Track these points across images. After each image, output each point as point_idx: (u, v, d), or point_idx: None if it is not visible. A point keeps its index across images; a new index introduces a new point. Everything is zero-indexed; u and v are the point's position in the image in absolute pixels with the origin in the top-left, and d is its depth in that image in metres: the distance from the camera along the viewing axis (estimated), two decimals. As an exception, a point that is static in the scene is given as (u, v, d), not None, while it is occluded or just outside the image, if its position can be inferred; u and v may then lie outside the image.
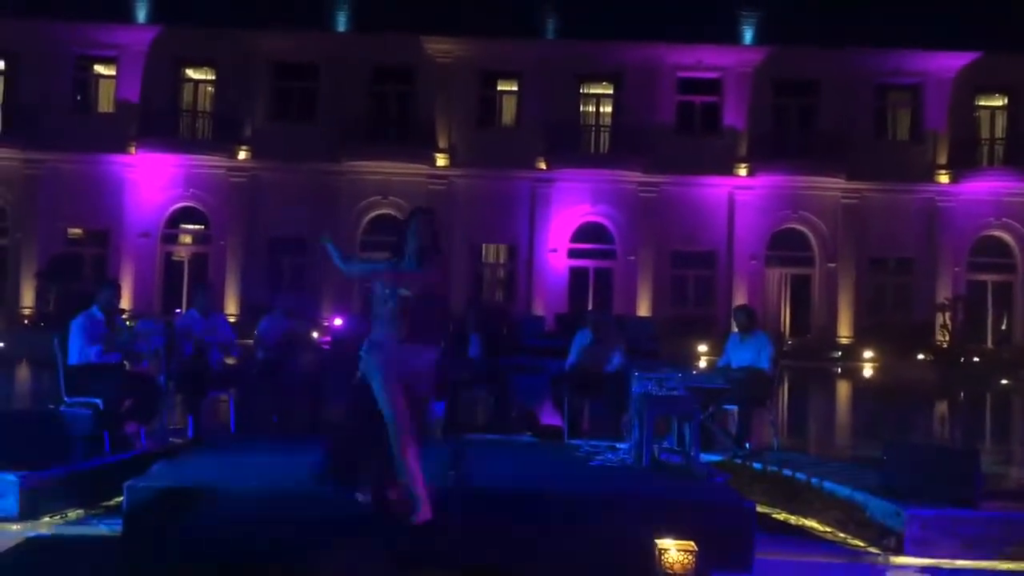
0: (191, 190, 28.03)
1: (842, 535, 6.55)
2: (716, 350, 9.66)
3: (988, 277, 28.64)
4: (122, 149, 27.57)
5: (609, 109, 29.03)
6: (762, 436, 9.03)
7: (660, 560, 4.31)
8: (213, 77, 28.75)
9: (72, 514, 6.36)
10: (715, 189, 28.13)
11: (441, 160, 28.08)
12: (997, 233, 28.42)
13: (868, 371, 24.26)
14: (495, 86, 29.03)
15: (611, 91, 28.95)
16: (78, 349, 7.51)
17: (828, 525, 6.76)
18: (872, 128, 28.66)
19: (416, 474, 5.14)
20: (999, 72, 28.10)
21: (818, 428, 13.66)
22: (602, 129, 28.89)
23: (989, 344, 27.92)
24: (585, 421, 9.52)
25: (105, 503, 6.56)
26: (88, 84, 28.81)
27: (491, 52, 28.18)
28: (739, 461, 8.00)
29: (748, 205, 28.10)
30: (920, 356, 25.16)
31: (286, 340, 9.04)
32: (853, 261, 28.10)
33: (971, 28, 26.41)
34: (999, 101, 29.10)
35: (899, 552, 6.01)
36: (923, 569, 5.78)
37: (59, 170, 27.59)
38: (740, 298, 26.64)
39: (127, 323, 9.05)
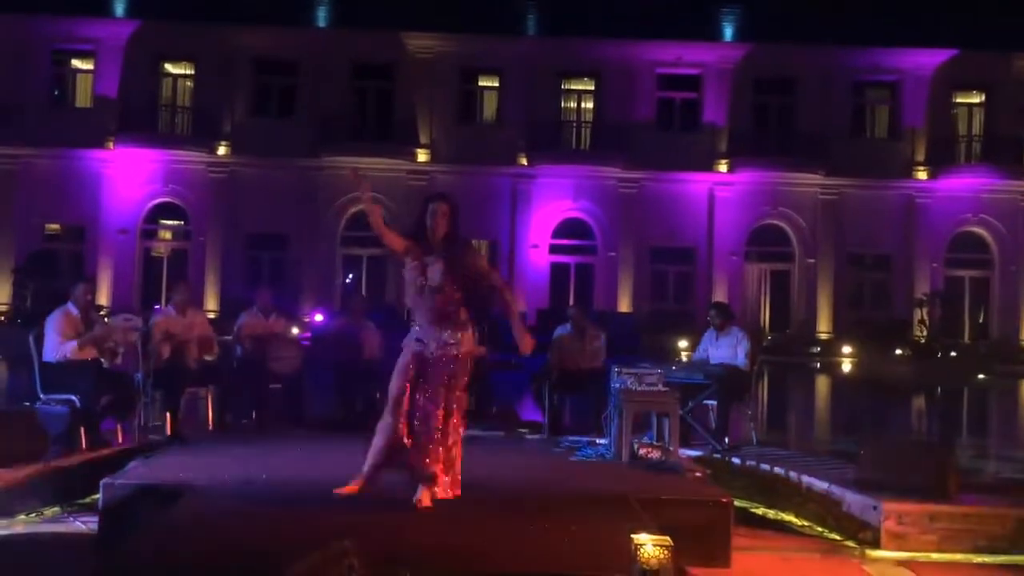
0: (170, 186, 27.85)
1: (820, 529, 6.59)
2: (696, 345, 9.70)
3: (966, 273, 28.88)
4: (100, 144, 27.35)
5: (590, 105, 29.07)
6: (741, 431, 9.07)
7: (637, 555, 4.31)
8: (192, 72, 28.56)
9: (48, 512, 6.31)
10: (695, 185, 28.22)
11: (422, 156, 28.04)
12: (975, 229, 28.65)
13: (847, 366, 24.42)
14: (476, 82, 29.00)
15: (592, 87, 28.98)
16: (53, 346, 7.45)
17: (806, 519, 6.80)
18: (850, 125, 28.83)
19: (376, 450, 5.40)
20: (976, 69, 28.33)
21: (797, 423, 13.73)
22: (583, 125, 28.93)
23: (966, 339, 28.16)
24: (566, 416, 9.53)
25: (81, 501, 6.52)
26: (65, 78, 28.56)
27: (472, 48, 28.14)
28: (718, 456, 8.04)
29: (728, 201, 28.20)
30: (898, 351, 25.33)
31: (265, 336, 9.00)
32: (832, 257, 28.26)
33: (948, 26, 26.62)
34: (976, 98, 29.33)
35: (876, 545, 6.05)
36: (900, 562, 5.82)
37: (36, 165, 27.35)
38: (720, 294, 26.76)
39: (104, 319, 8.98)
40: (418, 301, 5.47)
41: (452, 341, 5.41)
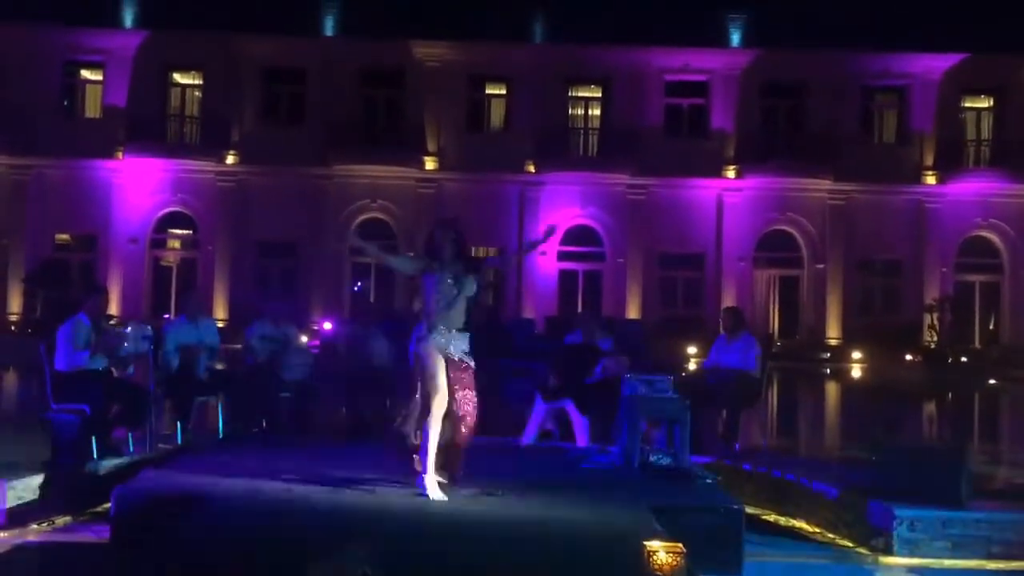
0: (179, 195, 27.94)
1: (831, 535, 6.57)
2: (705, 352, 9.72)
3: (975, 278, 28.76)
4: (110, 154, 27.46)
5: (597, 112, 29.08)
6: (751, 437, 9.05)
7: (649, 562, 4.31)
8: (201, 82, 28.66)
9: (60, 521, 6.32)
10: (703, 191, 28.19)
11: (430, 164, 28.07)
12: (984, 234, 28.55)
13: (856, 372, 24.33)
14: (484, 90, 29.05)
15: (599, 94, 29.00)
16: (65, 355, 7.48)
17: (817, 526, 6.78)
18: (859, 130, 28.78)
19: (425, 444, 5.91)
20: (985, 73, 28.27)
21: (807, 429, 13.69)
22: (591, 132, 28.94)
23: (977, 344, 28.03)
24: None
25: (93, 510, 6.53)
26: (75, 89, 28.70)
27: (480, 56, 28.19)
28: (728, 462, 8.01)
29: (736, 207, 28.16)
30: (908, 357, 25.23)
31: (275, 345, 9.01)
32: (841, 262, 28.18)
33: (957, 30, 26.52)
34: (985, 102, 29.25)
35: (888, 552, 6.02)
36: (912, 569, 5.80)
37: (46, 175, 27.47)
38: (729, 300, 26.66)
39: (115, 329, 9.00)
40: (446, 312, 6.03)
41: (469, 350, 6.09)
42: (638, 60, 28.06)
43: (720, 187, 28.16)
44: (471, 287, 6.07)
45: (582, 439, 8.38)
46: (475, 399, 6.10)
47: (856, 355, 25.67)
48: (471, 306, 6.14)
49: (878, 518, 6.18)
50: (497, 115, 29.19)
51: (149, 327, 8.33)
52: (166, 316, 24.82)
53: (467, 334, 6.09)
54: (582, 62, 28.25)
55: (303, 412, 9.03)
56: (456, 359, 6.03)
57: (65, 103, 28.60)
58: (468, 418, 6.04)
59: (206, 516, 5.28)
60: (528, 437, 8.53)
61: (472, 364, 6.11)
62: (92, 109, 28.53)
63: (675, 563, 4.31)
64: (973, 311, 28.52)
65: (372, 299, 27.24)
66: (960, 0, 25.71)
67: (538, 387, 8.70)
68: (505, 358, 10.23)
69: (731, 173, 28.20)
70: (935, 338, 26.43)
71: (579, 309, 26.09)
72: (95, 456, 7.09)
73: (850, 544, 6.33)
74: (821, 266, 28.25)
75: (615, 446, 7.64)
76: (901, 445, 7.78)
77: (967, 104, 29.13)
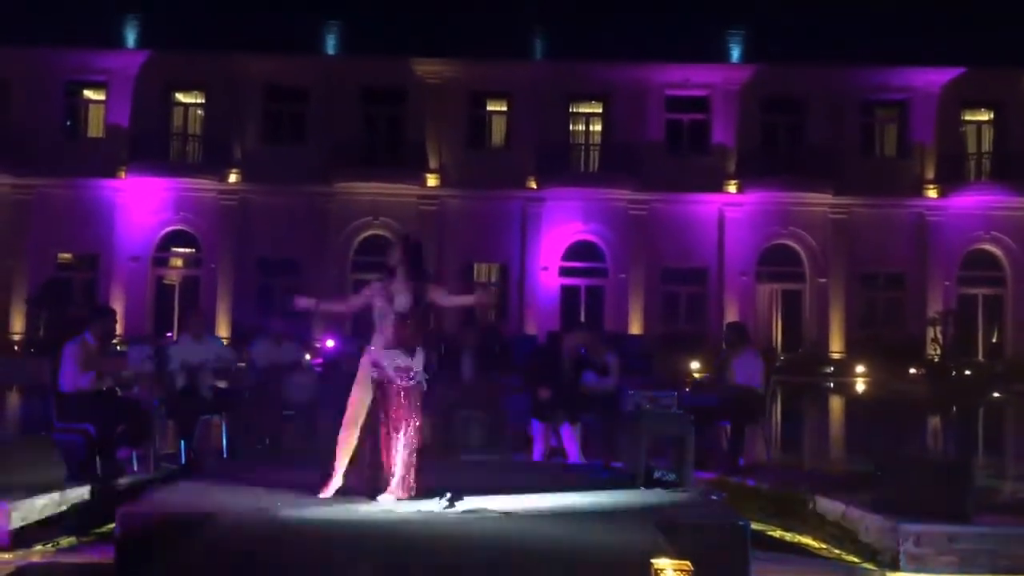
0: (181, 214, 28.00)
1: (837, 551, 6.54)
2: (708, 367, 9.73)
3: (978, 291, 28.75)
4: (112, 174, 27.54)
5: (598, 128, 29.16)
6: (755, 452, 9.03)
7: (656, 580, 4.30)
8: (203, 101, 28.78)
9: (64, 542, 6.31)
10: (705, 206, 28.23)
11: (432, 181, 28.14)
12: (987, 247, 28.56)
13: (860, 386, 24.29)
14: (485, 107, 29.14)
15: (600, 110, 29.08)
16: (69, 376, 7.48)
17: (823, 541, 6.75)
18: (860, 144, 28.85)
19: (338, 458, 6.20)
20: (984, 87, 28.36)
21: (811, 444, 13.66)
22: (592, 148, 29.01)
23: (980, 357, 28.00)
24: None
25: (97, 530, 6.52)
26: (78, 109, 28.80)
27: (481, 73, 28.30)
28: (733, 478, 7.99)
29: (738, 222, 28.20)
30: (912, 370, 25.18)
31: (279, 364, 9.01)
32: (843, 276, 28.19)
33: (955, 44, 26.63)
34: (985, 116, 29.32)
35: (895, 568, 6.00)
36: (919, 584, 5.78)
37: (49, 195, 27.55)
38: (731, 314, 26.68)
39: (118, 348, 9.02)
40: (381, 326, 6.14)
41: (405, 366, 6.07)
42: (638, 76, 28.16)
43: (721, 202, 28.21)
44: (403, 302, 6.12)
45: (572, 449, 8.36)
46: (413, 417, 6.08)
47: (859, 369, 25.63)
48: (411, 321, 6.10)
49: (884, 533, 6.16)
50: (498, 132, 29.28)
51: (153, 347, 8.34)
52: (169, 335, 24.84)
53: (406, 350, 6.07)
54: (582, 78, 28.35)
55: (307, 430, 9.02)
56: (387, 378, 6.05)
57: (68, 123, 28.70)
58: (402, 436, 6.03)
59: (211, 536, 5.27)
60: (537, 456, 8.56)
61: (412, 382, 6.09)
62: (95, 129, 28.63)
63: (682, 581, 4.30)
64: (976, 324, 28.51)
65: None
66: (959, 14, 25.84)
67: (532, 411, 8.67)
68: (506, 374, 10.20)
69: (732, 188, 28.25)
70: (938, 351, 26.38)
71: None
72: (100, 476, 7.09)
73: (856, 560, 6.31)
74: (823, 280, 28.26)
75: (619, 463, 7.64)
76: (906, 459, 7.76)
77: (967, 117, 29.20)
